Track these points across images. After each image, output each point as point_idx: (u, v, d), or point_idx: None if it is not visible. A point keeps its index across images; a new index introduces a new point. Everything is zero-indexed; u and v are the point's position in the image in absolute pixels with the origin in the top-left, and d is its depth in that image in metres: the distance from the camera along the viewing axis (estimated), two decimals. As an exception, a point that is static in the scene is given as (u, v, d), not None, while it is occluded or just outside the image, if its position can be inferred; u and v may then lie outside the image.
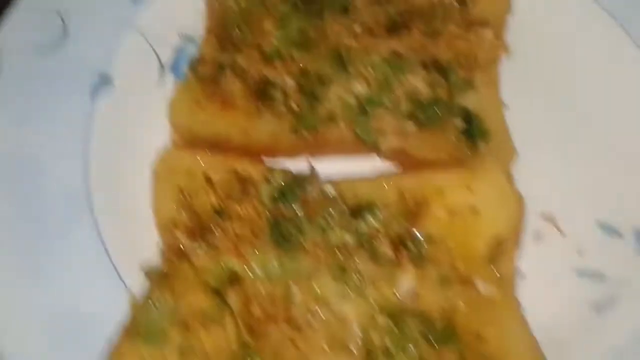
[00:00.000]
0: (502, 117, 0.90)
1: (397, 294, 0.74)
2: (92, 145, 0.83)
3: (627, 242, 0.83)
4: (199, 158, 0.83)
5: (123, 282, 0.72)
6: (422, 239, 0.78)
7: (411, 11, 0.96)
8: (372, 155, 0.89)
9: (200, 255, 0.74)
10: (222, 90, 0.90)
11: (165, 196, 0.82)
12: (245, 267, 0.74)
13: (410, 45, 0.91)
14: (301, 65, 0.91)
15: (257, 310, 0.71)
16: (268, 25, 0.95)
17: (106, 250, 0.75)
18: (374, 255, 0.76)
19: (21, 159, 0.80)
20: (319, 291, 0.73)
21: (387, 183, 0.81)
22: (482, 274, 0.77)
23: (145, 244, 0.76)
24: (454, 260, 0.77)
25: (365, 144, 0.87)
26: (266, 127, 0.88)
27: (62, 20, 0.88)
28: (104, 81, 0.88)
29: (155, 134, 0.87)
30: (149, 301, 0.68)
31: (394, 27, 0.93)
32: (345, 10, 0.96)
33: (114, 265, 0.73)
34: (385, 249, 0.77)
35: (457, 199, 0.79)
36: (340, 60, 0.91)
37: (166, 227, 0.78)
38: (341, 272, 0.75)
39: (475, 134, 0.87)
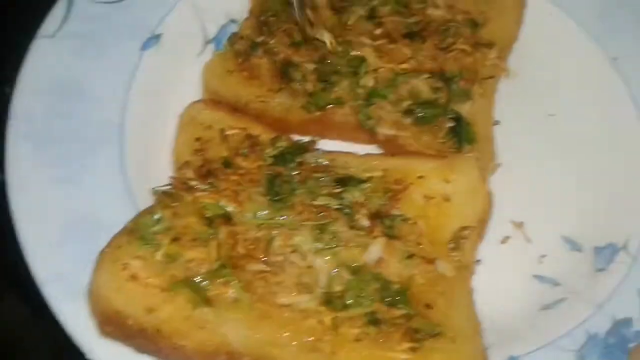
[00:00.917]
0: (490, 128, 1.00)
1: (364, 257, 0.84)
2: (134, 87, 0.96)
3: (586, 256, 0.91)
4: (220, 115, 0.96)
5: (134, 199, 0.85)
6: (397, 216, 0.88)
7: (428, 23, 1.07)
8: (368, 144, 1.00)
9: (202, 192, 0.86)
10: (251, 64, 1.03)
11: (185, 142, 0.94)
12: (239, 210, 0.85)
13: (421, 53, 1.03)
14: (322, 53, 1.04)
15: (239, 246, 0.82)
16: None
17: (126, 172, 0.87)
18: (352, 222, 0.86)
19: (71, 81, 0.94)
20: (296, 242, 0.83)
21: (375, 162, 0.92)
22: (444, 256, 0.86)
23: (160, 176, 0.88)
24: (421, 239, 0.87)
25: (364, 129, 0.98)
26: (282, 101, 1.00)
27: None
28: (154, 38, 1.02)
29: (189, 91, 1.00)
30: (151, 213, 0.80)
31: (410, 36, 1.05)
32: (371, 16, 1.09)
33: (129, 185, 0.86)
34: (362, 218, 0.87)
35: (433, 187, 0.89)
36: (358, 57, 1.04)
37: (180, 165, 0.90)
38: (319, 231, 0.84)
39: (462, 135, 0.97)
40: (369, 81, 1.00)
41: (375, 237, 0.85)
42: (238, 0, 1.12)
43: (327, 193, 0.88)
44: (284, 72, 1.02)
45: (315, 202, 0.87)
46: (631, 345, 0.78)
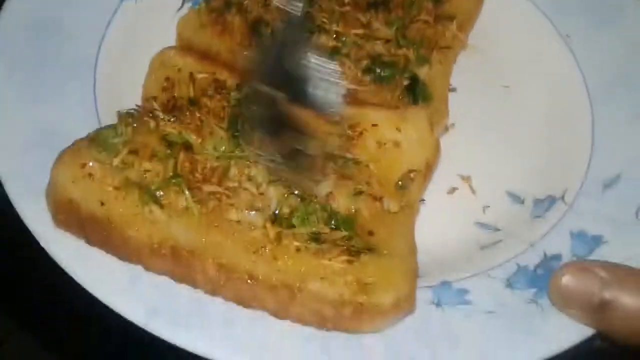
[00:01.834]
0: (445, 91, 1.06)
1: (315, 191, 0.88)
2: (111, 29, 1.02)
3: (526, 207, 0.97)
4: (190, 61, 1.01)
5: (99, 119, 0.90)
6: (349, 159, 0.93)
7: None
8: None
9: (166, 122, 0.91)
10: (224, 19, 1.09)
11: (154, 80, 0.99)
12: (200, 142, 0.90)
13: (384, 21, 1.10)
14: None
15: (196, 170, 0.86)
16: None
17: (95, 98, 0.93)
18: (306, 162, 0.92)
19: (51, 18, 1.00)
20: (252, 173, 0.88)
21: (333, 109, 0.97)
22: (391, 196, 0.91)
23: (128, 105, 0.92)
24: (371, 180, 0.92)
25: (325, 82, 1.04)
26: (250, 54, 1.07)
27: None
28: (133, -9, 1.10)
29: (162, 41, 1.05)
30: (113, 128, 0.84)
31: (376, 6, 1.12)
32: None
33: (97, 108, 0.92)
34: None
35: (386, 134, 0.95)
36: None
37: (147, 98, 0.96)
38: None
39: (417, 93, 1.03)
40: (328, 41, 1.08)
41: (327, 175, 0.91)
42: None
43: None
44: (255, 29, 1.08)
45: (274, 141, 0.94)
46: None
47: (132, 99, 0.98)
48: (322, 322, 0.78)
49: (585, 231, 0.89)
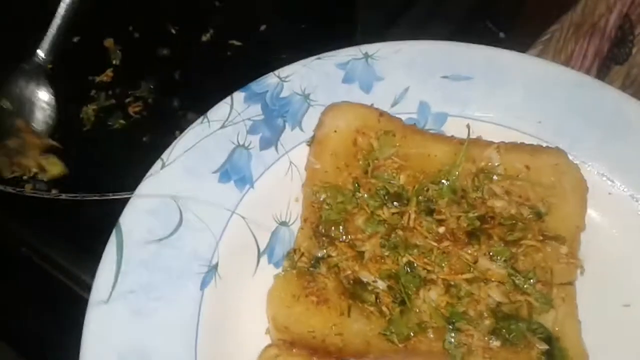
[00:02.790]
0: (579, 338, 0.95)
1: None
2: (200, 343, 0.87)
3: None
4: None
5: None
6: None
7: (490, 216, 1.04)
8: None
9: None
10: (317, 286, 0.96)
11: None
12: None
13: (489, 253, 0.98)
14: (391, 267, 0.98)
15: None
16: (360, 221, 1.04)
17: None
18: None
19: (139, 354, 0.84)
20: None
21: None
22: None
23: None
24: None
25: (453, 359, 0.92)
26: (358, 328, 0.93)
27: (179, 206, 0.95)
28: (212, 270, 0.94)
29: (253, 326, 0.93)
30: None
31: (475, 233, 1.00)
32: (430, 210, 1.05)
33: None
34: None
35: None
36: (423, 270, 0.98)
37: None
38: None
39: (556, 357, 0.92)
40: (440, 299, 0.95)
41: None
42: (284, 201, 1.07)
43: None
44: (355, 293, 0.95)
45: None
46: None
47: None
48: None
49: None
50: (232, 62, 1.43)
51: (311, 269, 0.97)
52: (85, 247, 1.12)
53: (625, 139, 1.12)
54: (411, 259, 0.97)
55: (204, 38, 1.47)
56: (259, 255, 1.02)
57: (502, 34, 1.68)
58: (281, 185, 1.06)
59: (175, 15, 1.51)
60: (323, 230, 1.00)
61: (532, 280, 0.97)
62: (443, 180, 1.06)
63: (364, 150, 1.07)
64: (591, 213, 1.06)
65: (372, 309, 0.94)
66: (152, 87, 1.39)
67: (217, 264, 0.95)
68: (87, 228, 1.14)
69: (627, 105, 1.13)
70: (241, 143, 1.05)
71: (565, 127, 1.13)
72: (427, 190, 1.05)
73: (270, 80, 1.11)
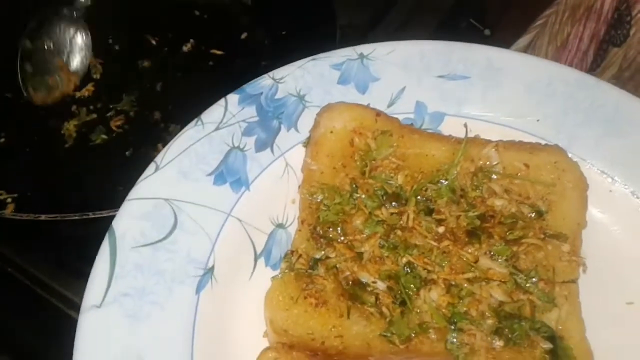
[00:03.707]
0: (583, 336, 0.93)
1: None
2: (197, 347, 0.85)
3: None
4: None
5: None
6: None
7: (490, 215, 1.02)
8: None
9: None
10: (316, 288, 0.94)
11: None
12: None
13: (490, 252, 0.97)
14: (390, 267, 0.96)
15: None
16: (358, 222, 1.02)
17: None
18: None
19: (128, 356, 0.82)
20: None
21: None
22: None
23: None
24: None
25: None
26: (357, 330, 0.91)
27: (173, 209, 0.93)
28: (207, 273, 0.92)
29: (251, 329, 0.91)
30: None
31: (475, 232, 0.99)
32: (429, 210, 1.03)
33: None
34: None
35: None
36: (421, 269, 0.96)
37: None
38: None
39: (560, 356, 0.90)
40: (441, 299, 0.93)
41: None
42: (280, 203, 1.05)
43: None
44: (354, 294, 0.93)
45: None
46: None
47: None
48: None
49: None
50: (214, 71, 1.44)
51: (309, 270, 0.95)
52: (67, 263, 1.14)
53: (625, 136, 1.11)
54: (411, 259, 0.95)
55: (185, 48, 1.47)
56: (256, 257, 1.00)
57: (487, 31, 1.68)
58: (277, 187, 1.05)
59: (155, 26, 1.51)
60: (321, 232, 0.99)
61: (534, 279, 0.96)
62: (442, 180, 1.05)
63: (361, 151, 1.06)
64: (592, 210, 1.05)
65: (372, 310, 0.92)
66: (133, 99, 1.39)
67: (213, 267, 0.93)
68: (69, 245, 1.15)
69: (626, 102, 1.12)
70: (236, 145, 1.04)
71: (564, 125, 1.12)
72: (426, 190, 1.04)
73: (264, 82, 1.10)
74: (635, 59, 1.12)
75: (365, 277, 0.94)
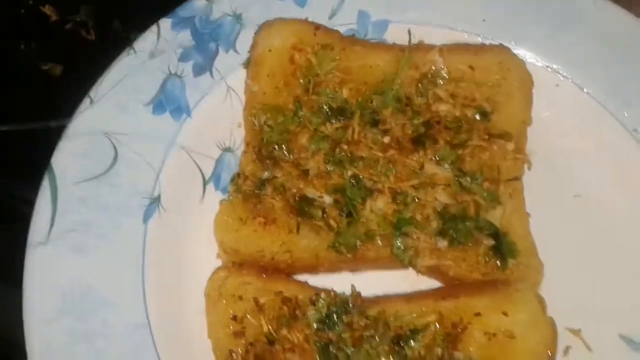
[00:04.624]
0: (527, 231, 0.96)
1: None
2: (148, 275, 0.87)
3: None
4: (247, 280, 0.88)
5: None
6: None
7: (436, 121, 1.02)
8: (405, 268, 0.94)
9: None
10: (264, 206, 0.95)
11: (218, 323, 0.86)
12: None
13: (435, 157, 0.97)
14: (336, 181, 0.97)
15: None
16: (303, 140, 1.02)
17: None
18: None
19: (84, 291, 0.84)
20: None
21: (427, 306, 0.86)
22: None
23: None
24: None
25: (402, 263, 0.92)
26: (306, 243, 0.93)
27: (112, 143, 0.93)
28: (154, 202, 0.93)
29: (203, 252, 0.92)
30: None
31: (420, 139, 0.99)
32: (374, 122, 1.02)
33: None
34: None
35: (493, 323, 0.85)
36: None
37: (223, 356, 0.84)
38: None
39: (503, 251, 0.92)
40: (387, 204, 0.94)
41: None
42: (226, 127, 1.04)
43: (385, 352, 0.83)
44: (301, 210, 0.95)
45: (375, 364, 0.83)
46: None
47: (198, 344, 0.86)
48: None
49: None
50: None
51: (257, 191, 0.97)
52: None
53: (574, 30, 1.09)
54: (356, 172, 0.96)
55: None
56: (205, 183, 1.00)
57: None
58: (221, 112, 1.03)
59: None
60: (266, 153, 0.99)
61: (478, 180, 0.97)
62: (387, 90, 1.04)
63: (303, 68, 1.04)
64: (538, 107, 1.04)
65: (320, 223, 0.94)
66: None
67: (159, 196, 0.94)
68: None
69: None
70: (173, 72, 1.01)
71: (511, 23, 1.09)
72: (372, 101, 1.04)
73: (197, 3, 1.06)
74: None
75: (312, 193, 0.95)
